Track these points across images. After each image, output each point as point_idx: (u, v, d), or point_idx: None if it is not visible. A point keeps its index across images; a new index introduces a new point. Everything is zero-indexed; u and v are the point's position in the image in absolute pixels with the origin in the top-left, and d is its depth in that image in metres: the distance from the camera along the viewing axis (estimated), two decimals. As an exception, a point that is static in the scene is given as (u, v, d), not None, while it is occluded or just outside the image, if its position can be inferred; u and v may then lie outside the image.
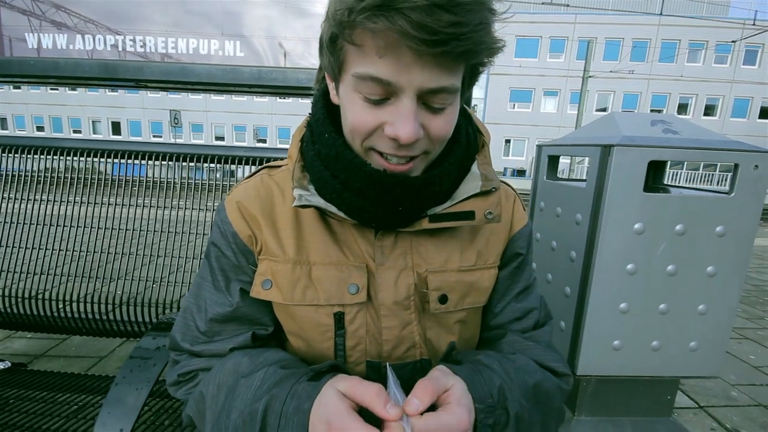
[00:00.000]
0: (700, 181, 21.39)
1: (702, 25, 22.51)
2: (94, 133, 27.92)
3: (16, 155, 1.59)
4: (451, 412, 0.45)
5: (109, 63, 1.54)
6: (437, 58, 0.44)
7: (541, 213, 1.87)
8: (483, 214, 0.57)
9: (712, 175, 21.38)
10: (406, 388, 0.48)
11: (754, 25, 15.89)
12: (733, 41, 17.28)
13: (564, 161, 18.86)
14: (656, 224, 1.46)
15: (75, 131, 27.79)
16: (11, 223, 1.60)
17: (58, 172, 1.59)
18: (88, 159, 1.58)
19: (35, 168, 1.60)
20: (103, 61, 1.55)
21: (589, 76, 14.67)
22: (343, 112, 0.53)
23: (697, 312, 1.53)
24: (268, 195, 0.62)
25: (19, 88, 25.16)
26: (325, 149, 0.55)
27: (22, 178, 1.60)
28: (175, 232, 1.57)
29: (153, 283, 1.57)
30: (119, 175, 1.59)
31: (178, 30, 1.55)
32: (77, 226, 1.59)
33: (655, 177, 1.93)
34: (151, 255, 1.57)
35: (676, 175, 21.81)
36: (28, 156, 1.59)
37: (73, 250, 1.58)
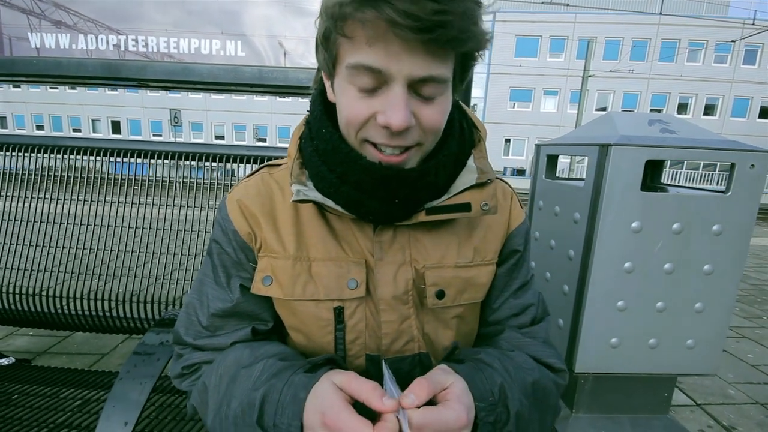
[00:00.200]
0: (700, 180, 21.40)
1: (702, 24, 22.51)
2: (94, 132, 27.90)
3: (16, 153, 1.60)
4: (449, 407, 0.46)
5: (112, 62, 1.55)
6: (424, 45, 0.45)
7: (540, 212, 1.88)
8: (479, 206, 0.58)
9: (712, 174, 21.39)
10: (405, 381, 0.49)
11: (753, 24, 15.90)
12: (732, 41, 17.28)
13: (564, 161, 18.87)
14: (653, 223, 1.47)
15: (75, 130, 27.77)
16: (15, 220, 1.61)
17: (57, 170, 1.61)
18: (88, 158, 1.59)
19: (35, 166, 1.61)
20: (105, 60, 1.56)
21: (589, 76, 14.68)
22: (339, 107, 0.55)
23: (694, 310, 1.55)
24: (268, 193, 0.64)
25: (18, 86, 25.16)
26: (323, 144, 0.56)
27: (22, 177, 1.61)
28: (177, 230, 1.59)
29: (155, 281, 1.59)
30: (121, 174, 1.61)
31: (179, 30, 1.56)
32: (80, 224, 1.60)
33: (653, 176, 1.94)
34: (153, 253, 1.59)
35: (676, 174, 21.82)
36: (28, 155, 1.60)
37: (76, 248, 1.60)
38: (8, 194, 1.61)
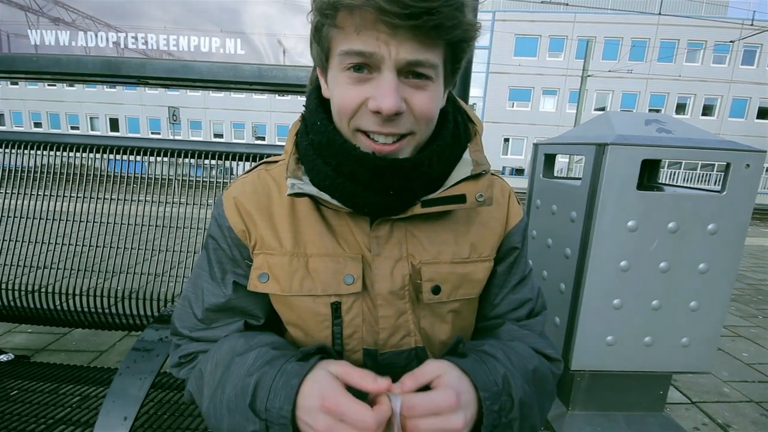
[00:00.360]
0: (698, 180, 21.46)
1: (701, 25, 22.54)
2: (92, 129, 27.81)
3: (14, 150, 1.60)
4: (438, 391, 0.49)
5: (112, 60, 1.55)
6: (411, 31, 0.47)
7: (537, 211, 1.89)
8: (474, 197, 0.59)
9: (710, 174, 21.45)
10: (401, 376, 0.52)
11: (752, 25, 15.92)
12: (731, 41, 17.30)
13: (563, 160, 18.89)
14: (649, 222, 1.48)
15: (73, 127, 27.66)
16: (13, 217, 1.61)
17: (55, 167, 1.61)
18: (87, 155, 1.60)
19: (33, 164, 1.61)
20: (105, 57, 1.56)
21: (588, 76, 14.69)
22: (332, 98, 0.56)
23: (689, 308, 1.56)
24: (265, 190, 0.65)
25: (16, 83, 25.07)
26: (317, 137, 0.57)
27: (20, 174, 1.61)
28: (176, 227, 1.59)
29: (154, 278, 1.60)
30: (120, 171, 1.61)
31: (179, 27, 1.56)
32: (78, 221, 1.61)
33: (650, 176, 1.95)
34: (152, 250, 1.60)
35: (675, 174, 21.87)
36: (26, 152, 1.60)
37: (75, 245, 1.60)
38: (7, 191, 1.62)
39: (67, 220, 1.61)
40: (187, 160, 1.60)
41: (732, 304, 3.52)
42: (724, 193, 1.47)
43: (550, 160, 1.87)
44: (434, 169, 0.58)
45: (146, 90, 25.06)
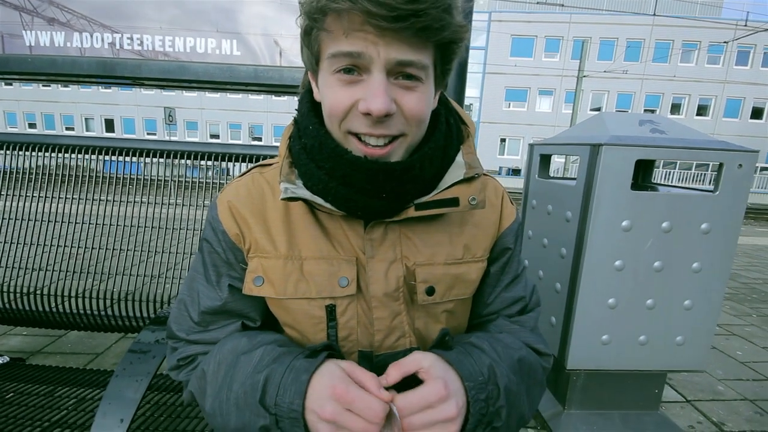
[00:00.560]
0: (693, 180, 21.60)
1: (695, 25, 22.69)
2: (87, 130, 27.65)
3: (9, 152, 1.59)
4: (427, 385, 0.51)
5: (107, 60, 1.55)
6: (399, 33, 0.47)
7: (533, 211, 1.90)
8: (467, 200, 0.60)
9: (704, 174, 21.59)
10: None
11: (746, 26, 16.05)
12: (725, 42, 17.44)
13: (559, 160, 18.97)
14: (643, 221, 1.50)
15: (67, 128, 27.51)
16: (8, 219, 1.61)
17: (50, 169, 1.60)
18: (82, 156, 1.59)
19: (28, 165, 1.60)
20: (100, 58, 1.56)
21: (584, 76, 14.76)
22: (323, 101, 0.56)
23: (682, 307, 1.57)
24: (259, 193, 0.65)
25: (10, 84, 24.89)
26: (310, 141, 0.58)
27: (15, 176, 1.61)
28: (172, 228, 1.59)
29: (150, 279, 1.59)
30: (116, 173, 1.61)
31: (174, 28, 1.56)
32: (74, 223, 1.60)
33: (644, 176, 1.97)
34: (148, 251, 1.59)
35: (670, 174, 22.00)
36: (21, 153, 1.59)
37: (71, 247, 1.59)
38: (2, 193, 1.61)
39: (62, 221, 1.60)
40: (183, 161, 1.59)
41: (726, 303, 3.55)
42: (717, 192, 1.49)
43: (545, 160, 1.88)
44: (426, 171, 0.58)
45: (142, 90, 24.93)
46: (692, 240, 1.51)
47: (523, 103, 25.91)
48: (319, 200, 0.58)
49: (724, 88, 24.36)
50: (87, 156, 1.59)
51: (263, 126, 27.37)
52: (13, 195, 1.61)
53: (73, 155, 1.59)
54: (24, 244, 1.60)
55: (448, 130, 0.62)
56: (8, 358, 1.73)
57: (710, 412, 1.98)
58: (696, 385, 2.21)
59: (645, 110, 24.49)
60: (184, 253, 1.58)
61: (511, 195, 0.76)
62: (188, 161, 1.59)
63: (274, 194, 0.64)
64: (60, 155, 1.59)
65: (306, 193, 0.58)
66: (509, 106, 26.13)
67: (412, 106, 0.53)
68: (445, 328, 0.63)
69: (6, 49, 1.60)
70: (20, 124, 27.68)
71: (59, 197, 1.60)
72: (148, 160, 1.60)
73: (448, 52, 0.54)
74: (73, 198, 1.61)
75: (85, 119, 27.75)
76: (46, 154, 1.59)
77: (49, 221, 1.61)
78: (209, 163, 1.59)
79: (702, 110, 25.01)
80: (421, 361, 0.53)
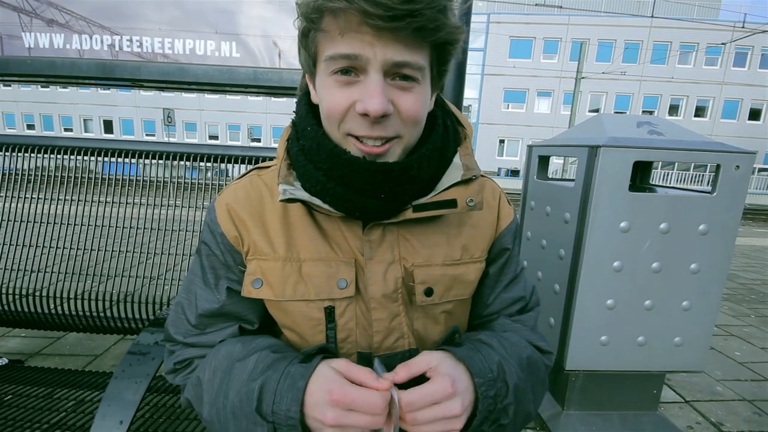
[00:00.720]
0: (691, 181, 21.65)
1: (693, 27, 22.74)
2: (86, 131, 27.61)
3: (7, 154, 1.59)
4: (433, 381, 0.52)
5: (106, 62, 1.55)
6: (395, 34, 0.48)
7: (532, 212, 1.90)
8: (465, 202, 0.60)
9: (702, 175, 21.65)
10: None
11: (743, 27, 16.12)
12: (723, 43, 17.52)
13: (557, 161, 19.00)
14: (641, 223, 1.50)
15: (66, 129, 27.47)
16: (6, 221, 1.60)
17: (49, 170, 1.60)
18: (81, 158, 1.59)
19: (26, 166, 1.60)
20: (100, 60, 1.56)
21: (582, 77, 14.79)
22: (321, 103, 0.57)
23: (681, 308, 1.58)
24: (257, 196, 0.65)
25: (9, 85, 24.85)
26: (308, 142, 0.58)
27: (13, 177, 1.60)
28: (171, 230, 1.59)
29: (149, 281, 1.59)
30: (115, 174, 1.61)
31: (174, 30, 1.56)
32: (73, 224, 1.60)
33: (642, 177, 1.98)
34: (147, 253, 1.59)
35: (668, 175, 22.05)
36: (20, 154, 1.59)
37: (70, 248, 1.59)
38: (0, 194, 1.61)
39: (60, 223, 1.60)
40: (182, 163, 1.60)
41: (724, 304, 3.56)
42: (715, 194, 1.49)
43: (544, 161, 1.89)
44: (424, 172, 0.58)
45: (141, 92, 24.92)
46: (690, 241, 1.52)
47: (522, 105, 25.96)
48: (317, 201, 0.58)
49: (722, 90, 24.43)
50: (86, 157, 1.59)
51: (262, 127, 27.37)
52: (12, 196, 1.61)
53: (72, 157, 1.59)
54: (22, 245, 1.60)
55: (445, 132, 0.62)
56: (7, 360, 1.73)
57: (709, 412, 1.99)
58: (694, 385, 2.21)
59: (643, 111, 24.56)
60: (183, 254, 1.58)
61: (510, 196, 0.77)
62: (187, 162, 1.59)
63: (272, 196, 0.64)
64: (59, 156, 1.59)
65: (304, 195, 0.58)
66: (508, 108, 26.17)
67: (408, 107, 0.53)
68: (455, 326, 0.64)
69: (5, 50, 1.60)
70: (18, 125, 27.63)
71: (58, 199, 1.60)
72: (147, 161, 1.60)
73: (444, 53, 0.55)
74: (71, 199, 1.60)
75: (84, 120, 27.71)
76: (45, 155, 1.59)
77: (47, 223, 1.61)
78: (208, 164, 1.59)
79: (700, 111, 25.09)
80: (429, 362, 0.54)
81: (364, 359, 0.63)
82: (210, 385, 0.58)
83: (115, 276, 1.58)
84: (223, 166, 1.59)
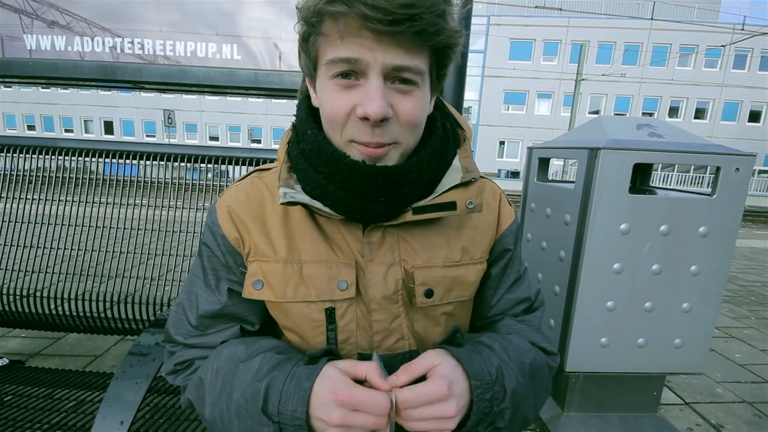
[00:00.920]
0: (691, 183, 21.66)
1: (692, 29, 22.79)
2: (86, 132, 27.62)
3: (8, 155, 1.59)
4: (430, 382, 0.52)
5: (108, 64, 1.56)
6: (395, 37, 0.48)
7: (532, 214, 1.91)
8: (464, 204, 0.60)
9: (702, 177, 21.66)
10: None
11: (743, 29, 16.15)
12: (722, 45, 17.52)
13: (558, 163, 19.00)
14: (642, 225, 1.50)
15: (67, 130, 27.48)
16: (7, 222, 1.61)
17: (50, 171, 1.60)
18: (81, 159, 1.59)
19: (27, 167, 1.61)
20: (101, 62, 1.56)
21: (582, 79, 14.81)
22: (321, 107, 0.57)
23: (681, 310, 1.58)
24: (258, 198, 0.65)
25: (10, 86, 24.86)
26: (308, 146, 0.58)
27: (14, 178, 1.61)
28: (171, 231, 1.59)
29: (149, 282, 1.59)
30: (116, 175, 1.61)
31: (175, 32, 1.57)
32: (73, 225, 1.60)
33: (642, 179, 1.98)
34: (147, 254, 1.59)
35: (668, 177, 22.06)
36: (20, 155, 1.59)
37: (70, 249, 1.60)
38: (1, 195, 1.61)
39: (61, 224, 1.61)
40: (182, 164, 1.60)
41: (725, 306, 3.56)
42: (715, 196, 1.49)
43: (544, 163, 1.89)
44: (423, 175, 0.58)
45: (141, 93, 24.94)
46: (690, 243, 1.52)
47: (522, 106, 25.99)
48: (317, 204, 0.58)
49: (722, 92, 24.46)
50: (86, 158, 1.59)
51: (262, 128, 27.38)
52: (13, 198, 1.61)
53: (73, 158, 1.59)
54: (23, 246, 1.60)
55: (444, 135, 0.62)
56: (7, 360, 1.73)
57: (709, 414, 1.99)
58: (694, 387, 2.21)
59: (643, 113, 24.59)
60: (183, 255, 1.58)
61: (510, 198, 0.77)
62: (188, 164, 1.60)
63: (273, 198, 0.65)
64: (59, 158, 1.59)
65: (305, 198, 0.58)
66: (508, 109, 26.19)
67: (407, 111, 0.53)
68: (456, 325, 0.64)
69: (6, 52, 1.60)
70: (19, 126, 27.65)
71: (58, 200, 1.61)
72: (147, 162, 1.61)
73: (443, 57, 0.55)
74: (72, 200, 1.61)
75: (84, 121, 27.72)
76: (46, 156, 1.59)
77: (48, 224, 1.61)
78: (208, 165, 1.60)
79: (700, 113, 25.10)
80: (430, 363, 0.54)
81: (365, 360, 0.64)
82: (213, 386, 0.58)
83: (116, 277, 1.58)
84: (223, 167, 1.59)
